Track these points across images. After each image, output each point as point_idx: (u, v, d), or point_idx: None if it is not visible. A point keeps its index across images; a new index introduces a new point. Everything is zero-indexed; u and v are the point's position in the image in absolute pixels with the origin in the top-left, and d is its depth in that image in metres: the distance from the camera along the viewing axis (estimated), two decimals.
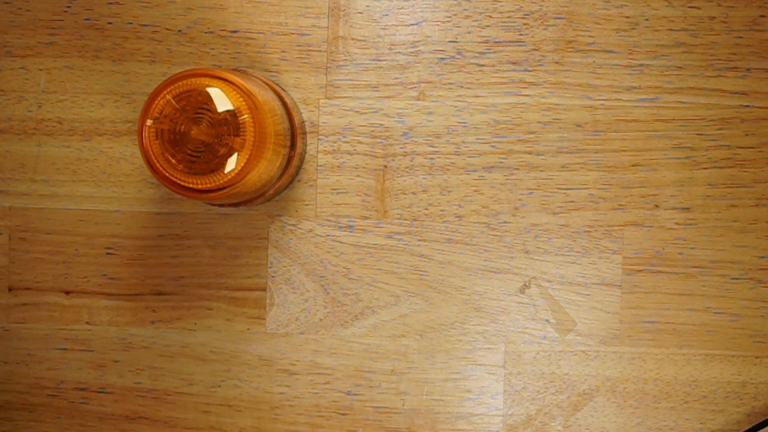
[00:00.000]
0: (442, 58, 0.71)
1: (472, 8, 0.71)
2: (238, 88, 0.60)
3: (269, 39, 0.71)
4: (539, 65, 0.71)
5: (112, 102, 0.72)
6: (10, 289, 0.73)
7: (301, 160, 0.71)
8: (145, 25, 0.72)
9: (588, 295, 0.71)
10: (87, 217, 0.72)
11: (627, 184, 0.71)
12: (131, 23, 0.72)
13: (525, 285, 0.71)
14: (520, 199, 0.71)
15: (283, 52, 0.71)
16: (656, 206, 0.70)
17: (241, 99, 0.60)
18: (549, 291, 0.71)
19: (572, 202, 0.71)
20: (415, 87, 0.71)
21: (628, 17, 0.70)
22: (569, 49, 0.71)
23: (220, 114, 0.60)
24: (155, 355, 0.72)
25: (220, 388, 0.72)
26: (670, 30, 0.70)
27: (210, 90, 0.60)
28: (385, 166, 0.71)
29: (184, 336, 0.72)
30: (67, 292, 0.72)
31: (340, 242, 0.71)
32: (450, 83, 0.71)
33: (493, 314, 0.71)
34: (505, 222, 0.71)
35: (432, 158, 0.71)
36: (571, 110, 0.71)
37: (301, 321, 0.72)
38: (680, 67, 0.70)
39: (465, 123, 0.71)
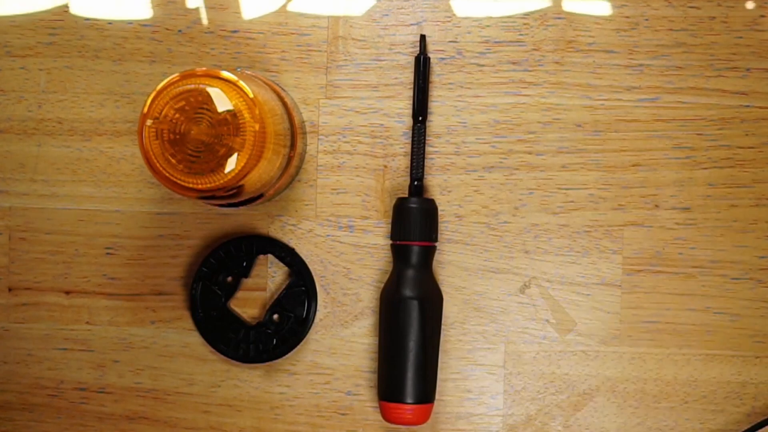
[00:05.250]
0: (442, 58, 0.71)
1: (473, 8, 0.71)
2: (238, 88, 0.60)
3: (269, 39, 0.71)
4: (539, 65, 0.71)
5: (112, 102, 0.72)
6: (10, 289, 0.73)
7: (301, 160, 0.71)
8: (145, 25, 0.72)
9: (588, 295, 0.71)
10: (87, 217, 0.72)
11: (627, 184, 0.71)
12: (131, 23, 0.72)
13: (525, 285, 0.71)
14: (520, 199, 0.71)
15: (283, 52, 0.71)
16: (656, 206, 0.70)
17: (241, 99, 0.60)
18: (549, 291, 0.71)
19: (572, 202, 0.71)
20: None
21: (628, 17, 0.70)
22: (569, 49, 0.71)
23: (220, 114, 0.60)
24: (155, 355, 0.72)
25: (220, 388, 0.72)
26: (670, 30, 0.70)
27: (210, 90, 0.60)
28: (385, 166, 0.71)
29: (184, 336, 0.72)
30: (67, 292, 0.72)
31: (340, 242, 0.71)
32: (450, 83, 0.71)
33: (493, 314, 0.71)
34: (505, 222, 0.71)
35: (432, 158, 0.71)
36: (571, 110, 0.71)
37: None
38: (680, 67, 0.70)
39: (465, 123, 0.71)
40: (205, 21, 0.72)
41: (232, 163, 0.60)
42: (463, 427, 0.71)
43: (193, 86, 0.60)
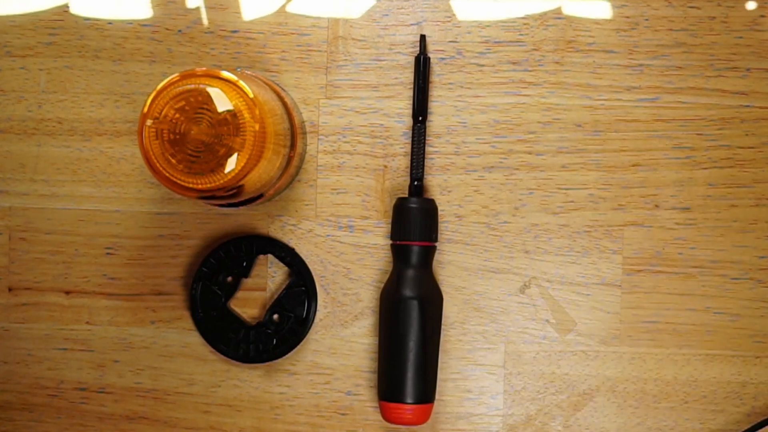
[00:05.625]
0: (442, 58, 0.71)
1: (473, 8, 0.71)
2: (238, 88, 0.60)
3: (269, 39, 0.71)
4: (539, 65, 0.71)
5: (112, 102, 0.72)
6: (10, 289, 0.73)
7: (301, 160, 0.71)
8: (145, 25, 0.72)
9: (588, 295, 0.71)
10: (87, 217, 0.72)
11: (627, 184, 0.71)
12: (131, 23, 0.72)
13: (525, 285, 0.71)
14: (520, 199, 0.71)
15: (283, 52, 0.71)
16: (656, 206, 0.70)
17: (241, 99, 0.60)
18: (549, 291, 0.71)
19: (572, 202, 0.71)
20: None
21: (628, 17, 0.70)
22: (569, 49, 0.71)
23: (220, 114, 0.60)
24: (155, 355, 0.72)
25: (220, 388, 0.72)
26: (670, 30, 0.70)
27: (210, 90, 0.60)
28: (385, 166, 0.71)
29: (184, 336, 0.72)
30: (67, 292, 0.72)
31: (340, 242, 0.71)
32: (450, 83, 0.71)
33: (493, 314, 0.71)
34: (505, 222, 0.71)
35: (432, 158, 0.71)
36: (571, 110, 0.71)
37: None
38: (680, 67, 0.70)
39: (465, 123, 0.71)
40: (205, 21, 0.72)
41: (232, 163, 0.60)
42: (463, 427, 0.71)
43: (193, 86, 0.60)
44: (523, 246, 0.71)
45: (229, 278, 0.71)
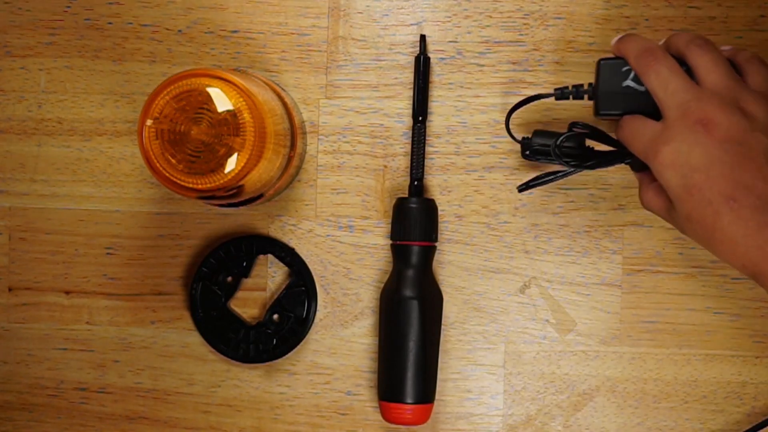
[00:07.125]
0: (442, 58, 0.71)
1: (472, 8, 0.71)
2: (238, 88, 0.60)
3: (269, 39, 0.71)
4: (539, 65, 0.71)
5: (112, 102, 0.72)
6: (10, 289, 0.73)
7: (301, 160, 0.71)
8: (145, 25, 0.72)
9: (588, 295, 0.71)
10: (87, 217, 0.72)
11: (627, 184, 0.71)
12: (131, 23, 0.72)
13: (525, 285, 0.71)
14: (520, 199, 0.71)
15: (283, 52, 0.71)
16: None
17: (241, 99, 0.60)
18: (549, 291, 0.71)
19: (572, 202, 0.71)
20: None
21: (628, 17, 0.70)
22: (569, 49, 0.71)
23: (220, 114, 0.60)
24: (155, 355, 0.72)
25: (220, 388, 0.72)
26: (670, 30, 0.70)
27: (210, 90, 0.60)
28: (385, 166, 0.71)
29: (184, 336, 0.72)
30: (67, 292, 0.72)
31: (340, 242, 0.71)
32: (450, 83, 0.71)
33: (493, 314, 0.71)
34: (505, 222, 0.71)
35: (432, 158, 0.71)
36: (570, 110, 0.71)
37: None
38: None
39: (465, 123, 0.71)
40: (205, 21, 0.72)
41: (232, 163, 0.60)
42: (463, 427, 0.71)
43: (193, 86, 0.60)
44: (523, 246, 0.71)
45: (229, 278, 0.71)
